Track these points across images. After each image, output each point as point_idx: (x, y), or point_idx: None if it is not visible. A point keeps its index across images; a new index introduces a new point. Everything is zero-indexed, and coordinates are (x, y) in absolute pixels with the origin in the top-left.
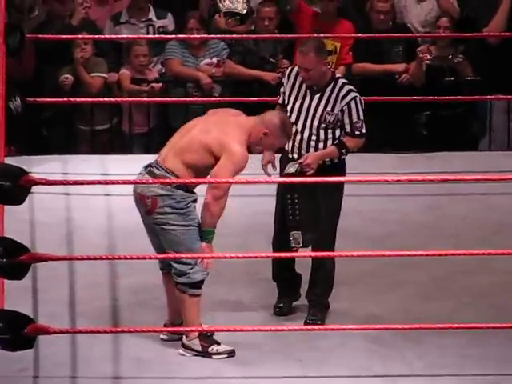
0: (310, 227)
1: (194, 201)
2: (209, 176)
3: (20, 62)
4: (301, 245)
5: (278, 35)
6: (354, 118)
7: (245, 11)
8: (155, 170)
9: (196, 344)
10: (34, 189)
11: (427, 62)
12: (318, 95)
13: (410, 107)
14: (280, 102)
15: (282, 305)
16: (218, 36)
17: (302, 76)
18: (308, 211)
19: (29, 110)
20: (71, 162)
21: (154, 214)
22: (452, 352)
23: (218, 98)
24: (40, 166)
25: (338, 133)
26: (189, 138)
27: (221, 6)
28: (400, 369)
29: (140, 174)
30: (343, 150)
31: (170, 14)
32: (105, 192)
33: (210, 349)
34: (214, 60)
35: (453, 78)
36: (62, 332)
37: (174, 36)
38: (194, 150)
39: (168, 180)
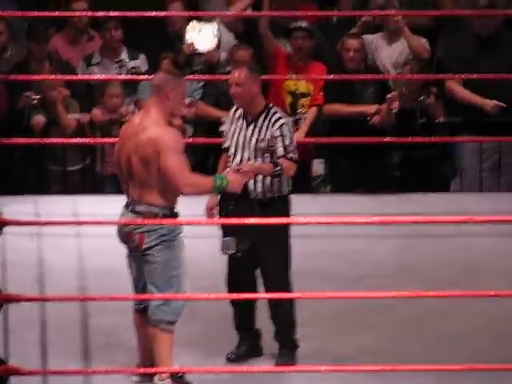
0: (243, 234)
1: (180, 233)
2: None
3: None
4: (233, 251)
5: None
6: (287, 142)
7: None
8: (138, 208)
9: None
10: (6, 229)
11: (394, 111)
12: (251, 126)
13: (382, 148)
14: (223, 146)
15: (236, 351)
16: (190, 77)
17: (233, 93)
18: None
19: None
20: (42, 202)
21: (141, 250)
22: None
23: (190, 140)
24: (11, 207)
25: None
26: (134, 168)
27: (187, 48)
28: None
29: (123, 214)
30: (277, 168)
31: (142, 55)
32: (76, 232)
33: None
34: (186, 101)
35: (424, 120)
36: (33, 373)
37: (146, 77)
38: (147, 173)
39: (139, 220)
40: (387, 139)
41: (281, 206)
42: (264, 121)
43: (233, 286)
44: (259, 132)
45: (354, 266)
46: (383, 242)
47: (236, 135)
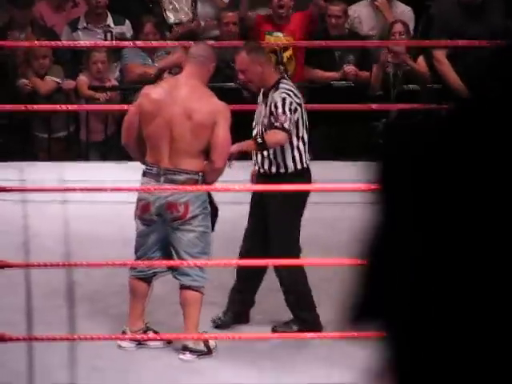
0: None
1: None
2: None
3: None
4: None
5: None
6: (280, 111)
7: (186, 19)
8: (176, 177)
9: (201, 344)
10: None
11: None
12: (264, 101)
13: (366, 115)
14: None
15: (222, 317)
16: (178, 42)
17: (242, 80)
18: None
19: None
20: (28, 169)
21: (186, 219)
22: None
23: None
24: None
25: None
26: (179, 131)
27: (166, 17)
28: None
29: (149, 184)
30: (258, 139)
31: (127, 21)
32: (62, 199)
33: (210, 343)
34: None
35: (410, 86)
36: (18, 339)
37: (132, 43)
38: (195, 141)
39: (138, 187)
40: (374, 106)
41: (285, 182)
42: (272, 96)
43: (242, 256)
44: (265, 108)
45: (338, 233)
46: (365, 208)
47: (257, 111)
